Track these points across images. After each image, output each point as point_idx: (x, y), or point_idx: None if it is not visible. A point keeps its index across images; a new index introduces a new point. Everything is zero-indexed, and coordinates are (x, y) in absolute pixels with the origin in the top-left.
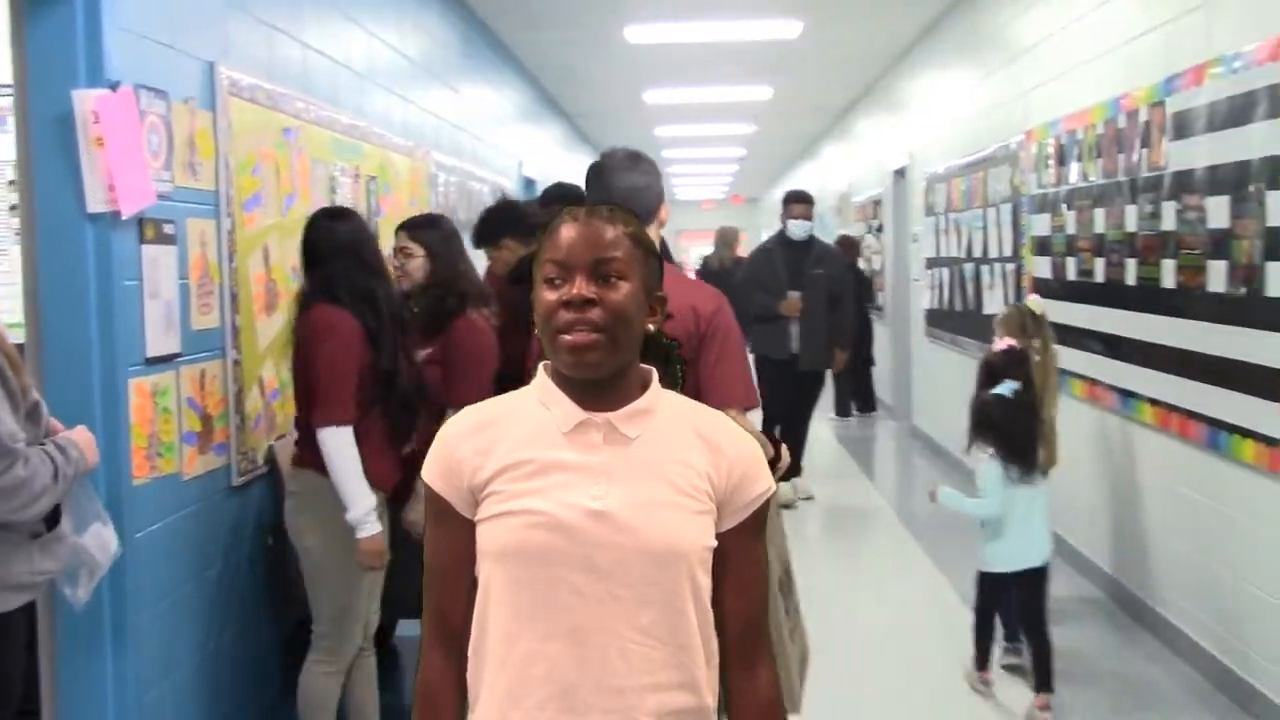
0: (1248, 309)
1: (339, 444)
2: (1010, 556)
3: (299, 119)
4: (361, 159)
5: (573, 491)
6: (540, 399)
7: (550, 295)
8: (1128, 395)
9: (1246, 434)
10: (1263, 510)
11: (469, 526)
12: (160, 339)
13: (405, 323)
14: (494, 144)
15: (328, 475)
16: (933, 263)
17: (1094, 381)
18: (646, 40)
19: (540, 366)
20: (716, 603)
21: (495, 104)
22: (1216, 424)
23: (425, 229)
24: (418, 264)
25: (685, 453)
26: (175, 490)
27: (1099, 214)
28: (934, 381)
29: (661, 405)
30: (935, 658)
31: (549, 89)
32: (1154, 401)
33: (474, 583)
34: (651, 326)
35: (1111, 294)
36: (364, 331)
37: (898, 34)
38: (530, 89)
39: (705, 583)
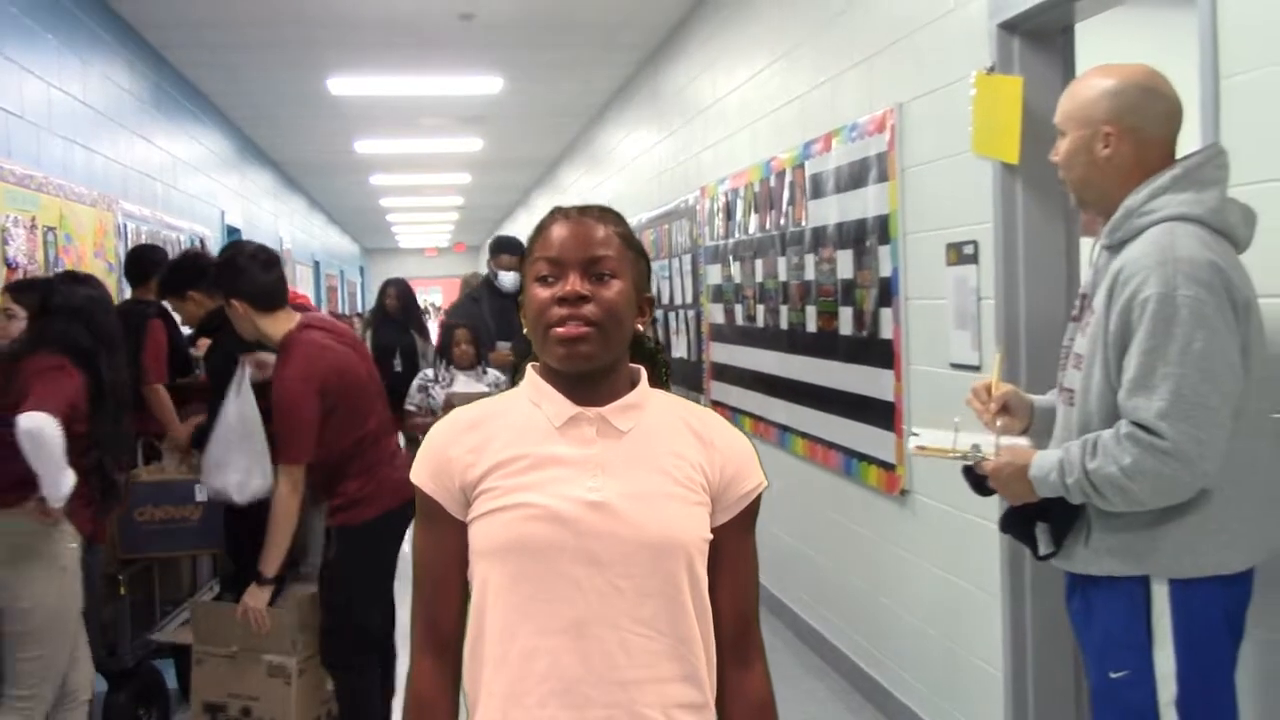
0: (868, 349)
1: (43, 424)
2: None
3: None
4: (39, 209)
5: (569, 484)
6: (530, 398)
7: (543, 292)
8: (784, 430)
9: (871, 460)
10: (886, 528)
11: (460, 528)
12: None
13: (124, 401)
14: (192, 193)
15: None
16: None
17: (759, 418)
18: (350, 92)
19: (529, 367)
20: (710, 599)
21: (193, 153)
22: (849, 452)
23: (28, 292)
24: (18, 326)
25: (679, 445)
26: None
27: (759, 264)
28: None
29: (652, 401)
30: None
31: (254, 138)
32: (804, 435)
33: (466, 586)
34: (640, 327)
35: (770, 338)
36: (86, 391)
37: (594, 91)
38: (233, 138)
39: (703, 575)
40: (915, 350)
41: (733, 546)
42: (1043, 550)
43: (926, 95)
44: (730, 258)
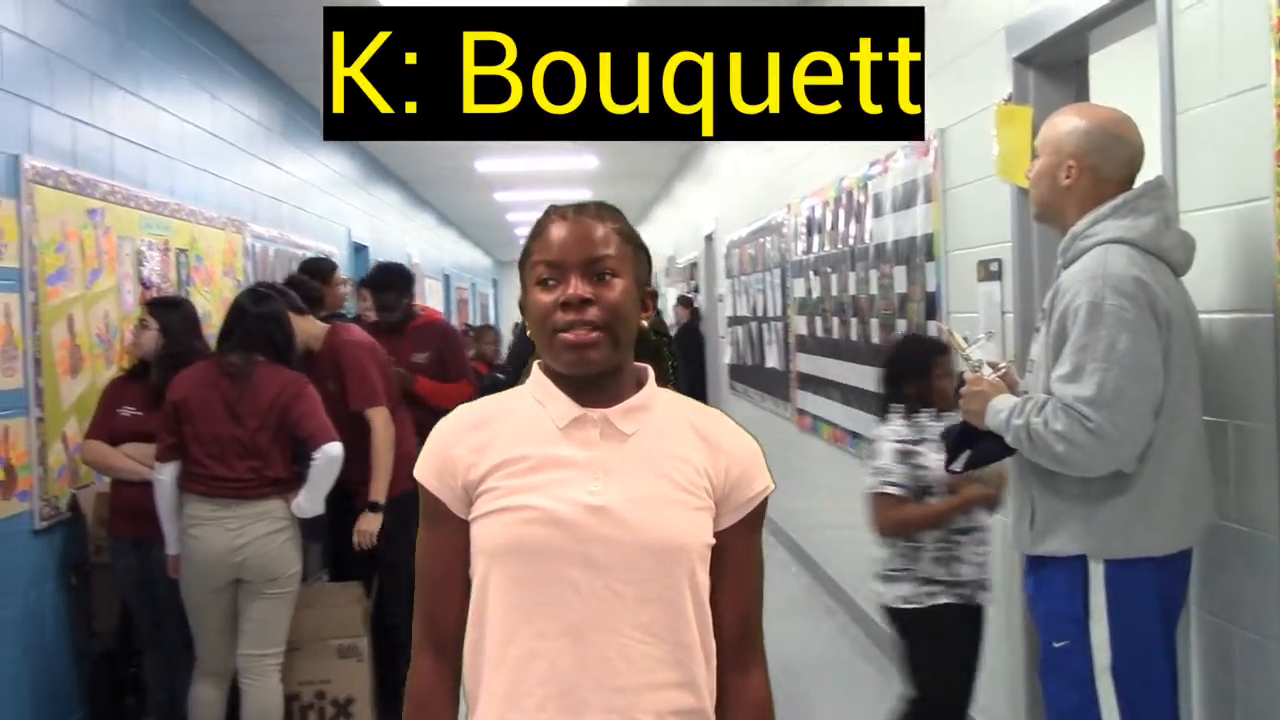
0: None
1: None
2: None
3: (105, 200)
4: (171, 234)
5: (570, 487)
6: (535, 396)
7: (545, 297)
8: (855, 436)
9: None
10: None
11: (463, 526)
12: None
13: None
14: (318, 213)
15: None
16: (733, 321)
17: (836, 426)
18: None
19: (535, 365)
20: (713, 602)
21: (320, 175)
22: None
23: (166, 308)
24: (151, 336)
25: (683, 449)
26: None
27: (834, 278)
28: None
29: (658, 402)
30: None
31: (380, 158)
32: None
33: (468, 585)
34: (645, 322)
35: (843, 348)
36: None
37: None
38: (360, 159)
39: (704, 580)
40: (959, 359)
41: (738, 549)
42: (954, 467)
43: (964, 121)
44: (811, 272)
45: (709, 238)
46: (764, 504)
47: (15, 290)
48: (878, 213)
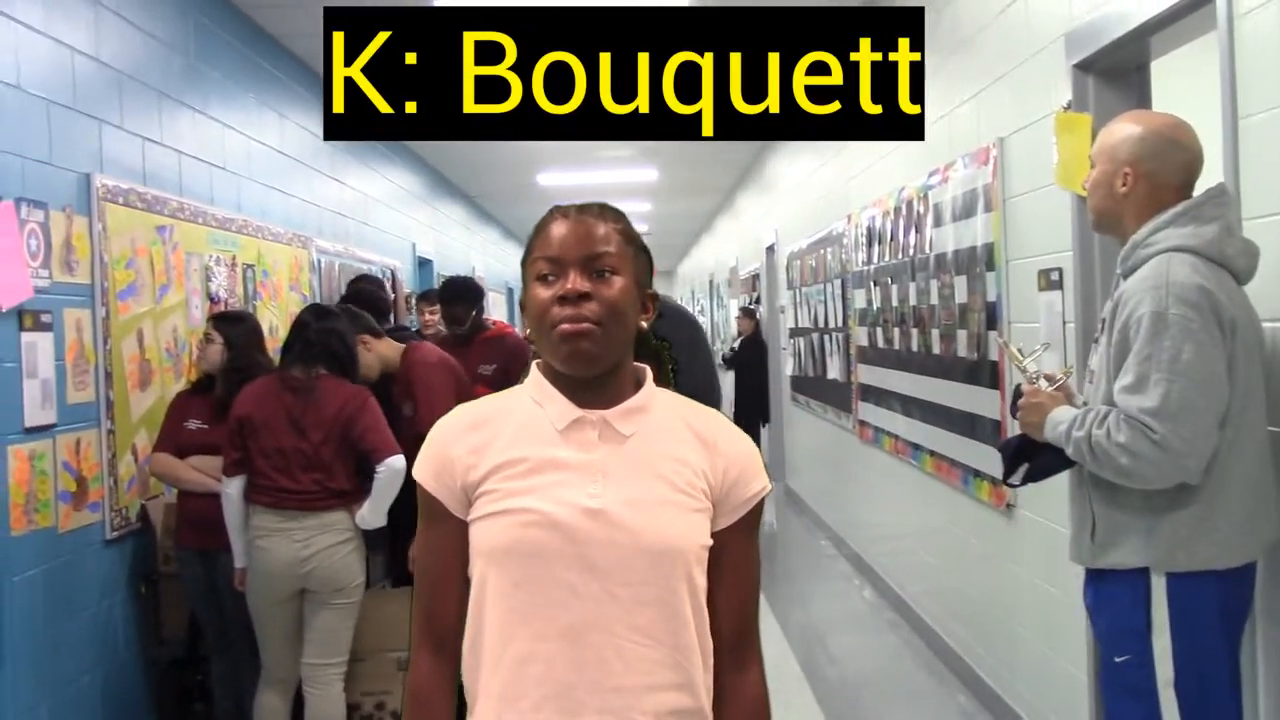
0: (978, 370)
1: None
2: None
3: (173, 217)
4: (238, 249)
5: (568, 490)
6: (534, 397)
7: (544, 292)
8: (916, 448)
9: (983, 476)
10: (991, 539)
11: (461, 527)
12: (37, 411)
13: None
14: (383, 228)
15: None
16: (794, 332)
17: (897, 437)
18: None
19: (533, 365)
20: (710, 601)
21: (384, 191)
22: (966, 469)
23: (230, 322)
24: (215, 350)
25: (681, 450)
26: (50, 542)
27: (894, 289)
28: (799, 444)
29: (656, 403)
30: None
31: (445, 174)
32: (932, 452)
33: (466, 584)
34: (644, 324)
35: (904, 359)
36: None
37: None
38: (425, 174)
39: (702, 582)
40: (1015, 371)
41: (735, 550)
42: (1011, 480)
43: (1023, 130)
44: (872, 283)
45: (770, 249)
46: (761, 505)
47: (87, 306)
48: (938, 222)
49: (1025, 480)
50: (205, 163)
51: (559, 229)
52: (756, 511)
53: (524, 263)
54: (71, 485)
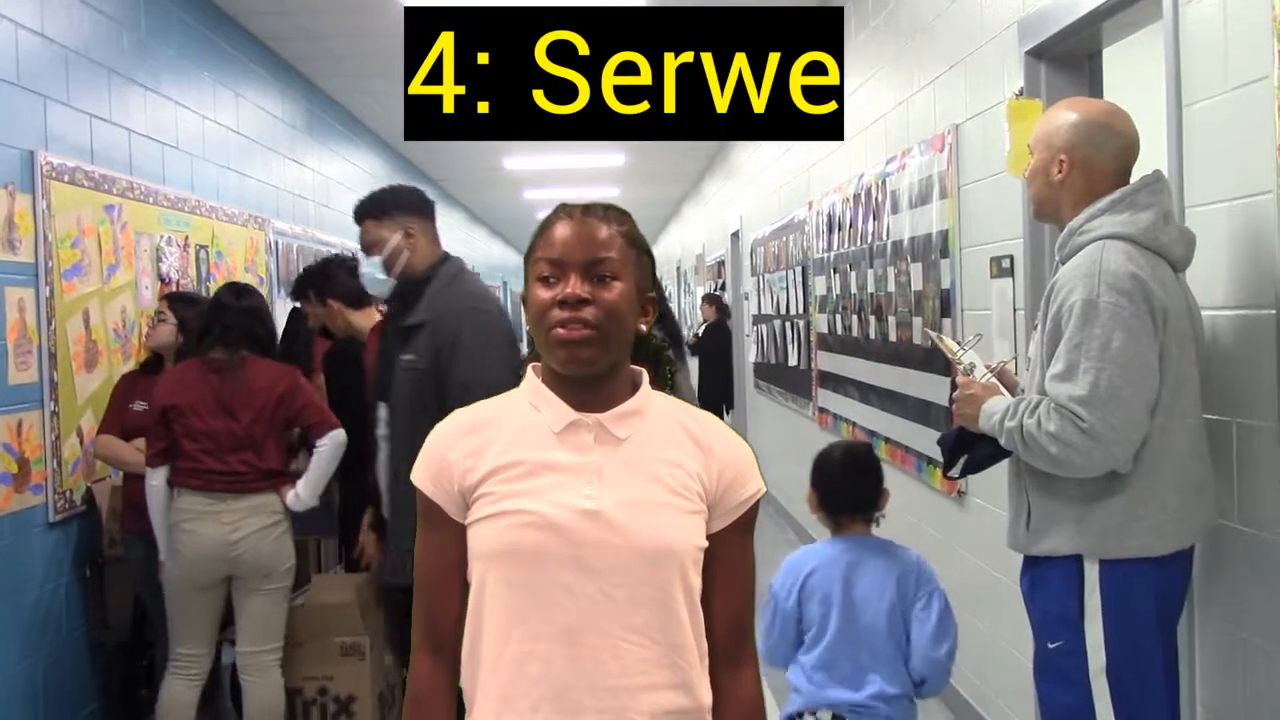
0: (932, 357)
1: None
2: None
3: (122, 196)
4: (191, 230)
5: (565, 492)
6: (531, 400)
7: (544, 294)
8: (873, 434)
9: (935, 463)
10: (944, 526)
11: (459, 530)
12: None
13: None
14: (344, 210)
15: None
16: (757, 319)
17: (855, 424)
18: None
19: (529, 368)
20: (705, 602)
21: (346, 172)
22: (920, 455)
23: (185, 304)
24: (167, 330)
25: (676, 453)
26: None
27: (853, 276)
28: (762, 431)
29: (652, 406)
30: None
31: (408, 157)
32: (887, 439)
33: (464, 587)
34: (644, 327)
35: (862, 346)
36: None
37: None
38: (387, 156)
39: (697, 583)
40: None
41: (730, 551)
42: (951, 473)
43: (976, 117)
44: (831, 270)
45: (735, 236)
46: (755, 506)
47: (30, 285)
48: (895, 209)
49: (965, 472)
50: (157, 141)
51: (563, 230)
52: (751, 514)
53: (527, 259)
54: (13, 467)
